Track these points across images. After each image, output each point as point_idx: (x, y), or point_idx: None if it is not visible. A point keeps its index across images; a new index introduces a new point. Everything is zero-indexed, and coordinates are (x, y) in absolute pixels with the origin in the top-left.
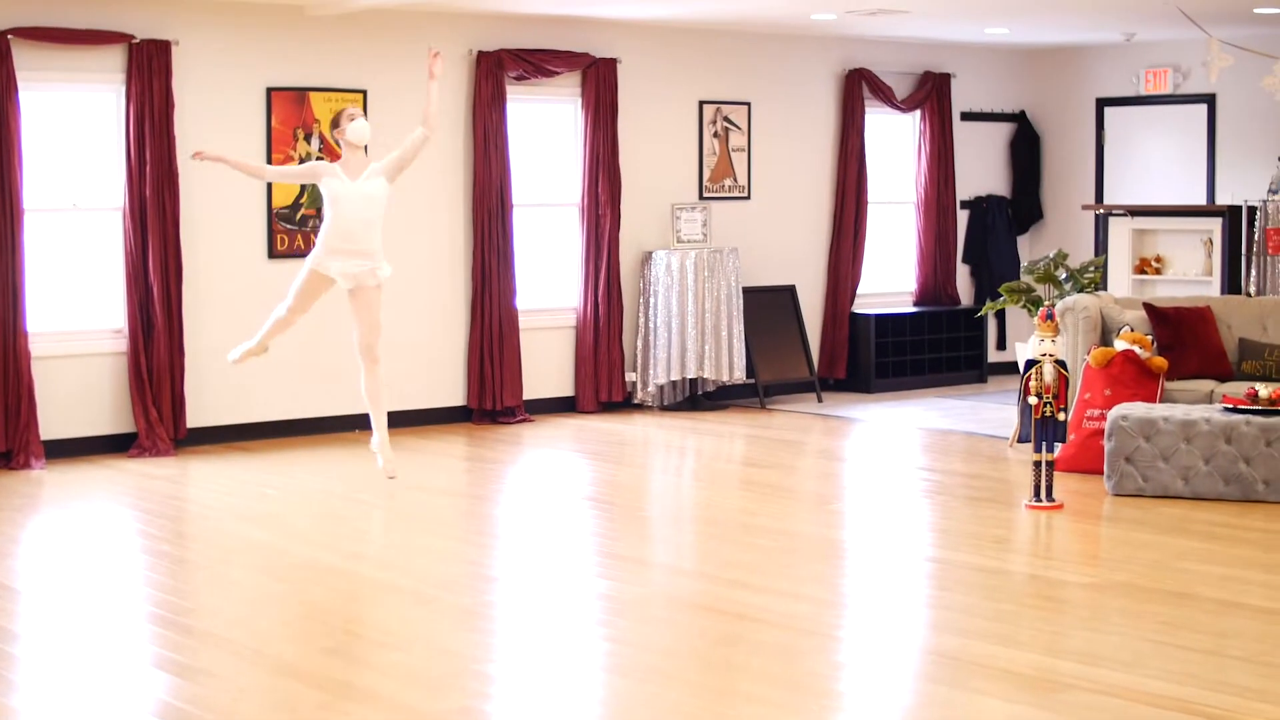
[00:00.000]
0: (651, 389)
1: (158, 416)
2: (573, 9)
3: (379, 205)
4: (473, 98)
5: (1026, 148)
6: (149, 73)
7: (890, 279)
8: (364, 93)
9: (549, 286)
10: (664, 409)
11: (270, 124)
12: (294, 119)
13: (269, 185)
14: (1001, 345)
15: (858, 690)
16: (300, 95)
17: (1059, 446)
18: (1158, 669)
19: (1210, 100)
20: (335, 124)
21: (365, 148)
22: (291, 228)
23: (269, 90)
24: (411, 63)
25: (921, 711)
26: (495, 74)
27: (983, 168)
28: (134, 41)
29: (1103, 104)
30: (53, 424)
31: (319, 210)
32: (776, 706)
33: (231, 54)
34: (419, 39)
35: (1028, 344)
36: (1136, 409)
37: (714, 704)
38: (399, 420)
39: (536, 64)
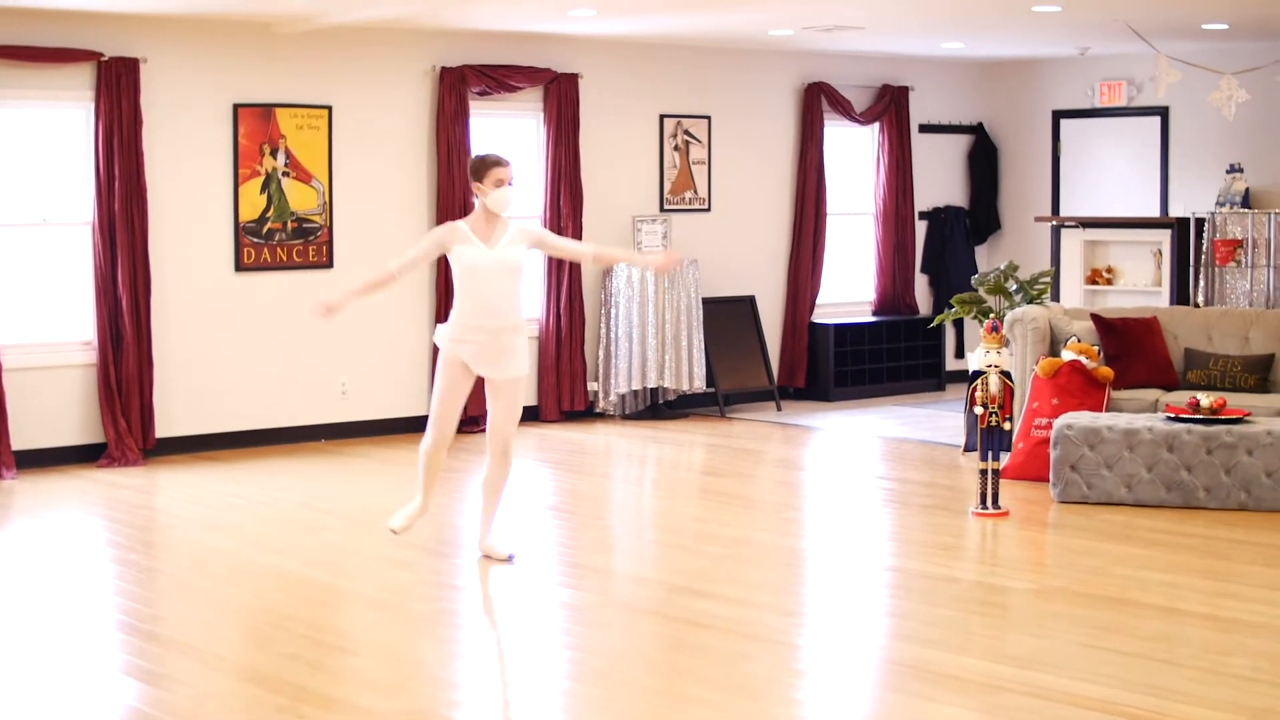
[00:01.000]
0: (613, 398)
1: (127, 427)
2: (535, 25)
3: (518, 276)
4: (436, 113)
5: (984, 159)
6: (117, 90)
7: (849, 289)
8: (329, 108)
9: None
10: (625, 418)
11: (237, 140)
12: (260, 135)
13: (235, 197)
14: (960, 354)
15: (814, 698)
16: (266, 111)
17: (1005, 455)
18: (1087, 672)
19: (1164, 113)
20: (476, 174)
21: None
22: (259, 241)
23: (235, 106)
24: (376, 79)
25: (876, 718)
26: (458, 89)
27: (941, 179)
28: (103, 59)
29: (1058, 116)
30: (24, 434)
31: (285, 224)
32: (734, 714)
33: (198, 71)
34: (384, 55)
35: (974, 355)
36: (1081, 418)
37: (672, 711)
38: (363, 430)
39: (499, 79)
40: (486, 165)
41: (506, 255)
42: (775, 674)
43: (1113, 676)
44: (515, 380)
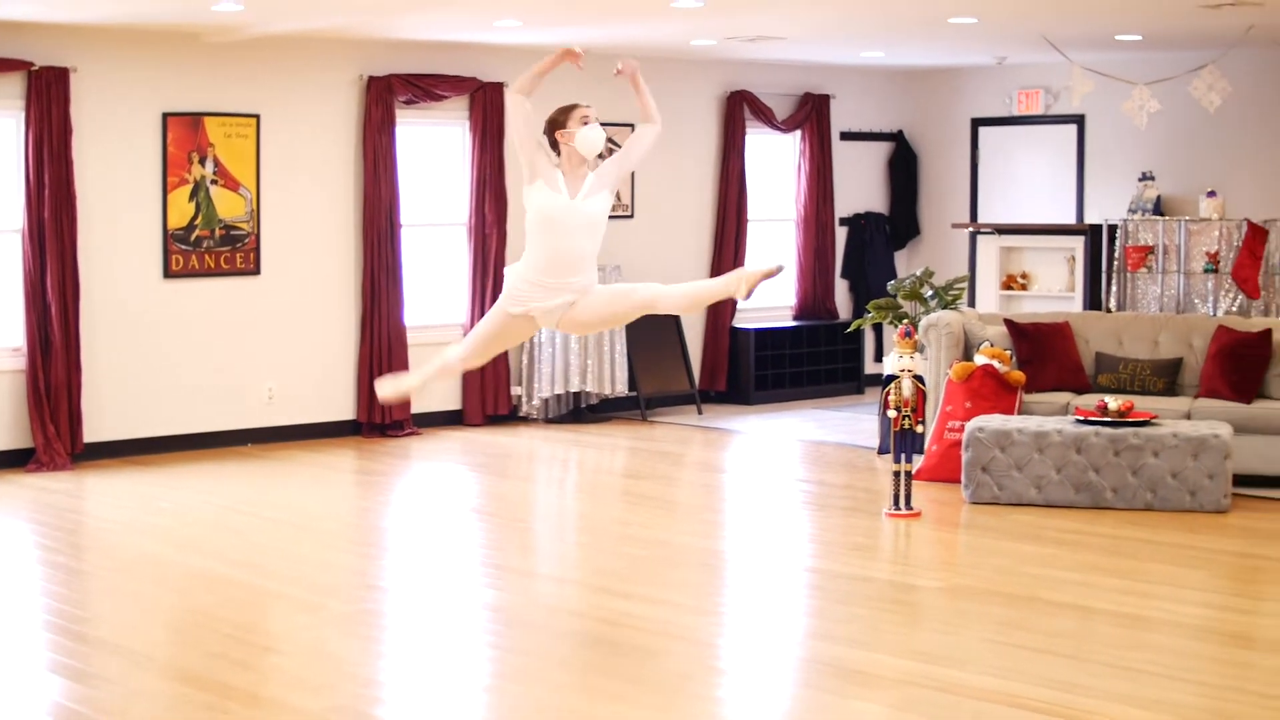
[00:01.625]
0: (536, 402)
1: (55, 432)
2: (461, 35)
3: (601, 230)
4: (363, 122)
5: (904, 166)
6: (48, 99)
7: (770, 294)
8: (257, 117)
9: (437, 303)
10: (549, 421)
11: (166, 148)
12: (188, 143)
13: (164, 205)
14: (879, 358)
15: (733, 695)
16: (195, 120)
17: (918, 457)
18: (995, 667)
19: (1079, 121)
20: (557, 123)
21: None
22: (187, 248)
23: (164, 115)
24: (304, 88)
25: (795, 715)
26: (385, 98)
27: (861, 186)
28: (33, 69)
29: (977, 124)
30: None
31: (213, 231)
32: (655, 711)
33: (128, 80)
34: (312, 65)
35: (888, 359)
36: (993, 421)
37: (593, 708)
38: (290, 435)
39: (425, 88)
40: (566, 110)
41: (590, 207)
42: (695, 672)
43: (1019, 671)
44: (592, 294)
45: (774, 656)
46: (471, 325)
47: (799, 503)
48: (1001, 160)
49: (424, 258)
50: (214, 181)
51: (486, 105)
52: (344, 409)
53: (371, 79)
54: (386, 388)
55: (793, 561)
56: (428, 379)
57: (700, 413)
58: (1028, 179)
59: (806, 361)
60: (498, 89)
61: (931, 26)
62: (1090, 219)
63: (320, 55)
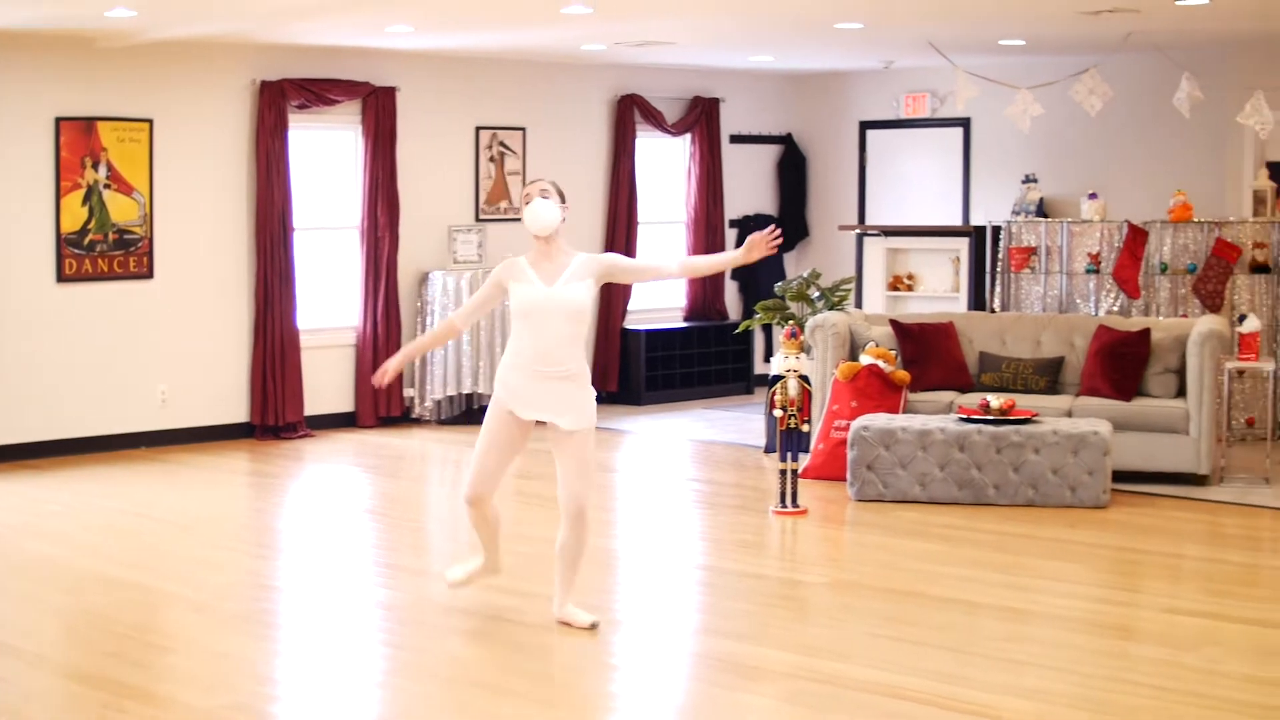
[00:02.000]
0: (429, 404)
1: None
2: (353, 40)
3: (582, 316)
4: (256, 126)
5: (793, 169)
6: None
7: (661, 295)
8: (150, 122)
9: (330, 306)
10: (441, 423)
11: (59, 152)
12: (81, 148)
13: (57, 209)
14: (769, 358)
15: (625, 689)
16: (88, 124)
17: (804, 456)
18: (878, 660)
19: (966, 124)
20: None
21: (551, 237)
22: (80, 252)
23: (57, 120)
24: (197, 93)
25: (686, 708)
26: (278, 103)
27: (751, 188)
28: None
29: (865, 127)
30: None
31: (106, 235)
32: (548, 705)
33: (20, 84)
34: (205, 70)
35: (775, 360)
36: (878, 419)
37: (487, 704)
38: (183, 438)
39: (318, 93)
40: (527, 192)
41: (567, 294)
42: (587, 666)
43: (901, 664)
44: (575, 434)
45: (665, 651)
46: (364, 329)
47: (689, 501)
48: (889, 163)
49: (317, 261)
50: (107, 186)
51: (379, 110)
52: (237, 412)
53: (264, 84)
54: (455, 574)
55: (683, 559)
56: (487, 545)
57: None
58: (915, 181)
59: (697, 362)
60: (390, 93)
61: (818, 32)
62: (976, 221)
63: (213, 60)
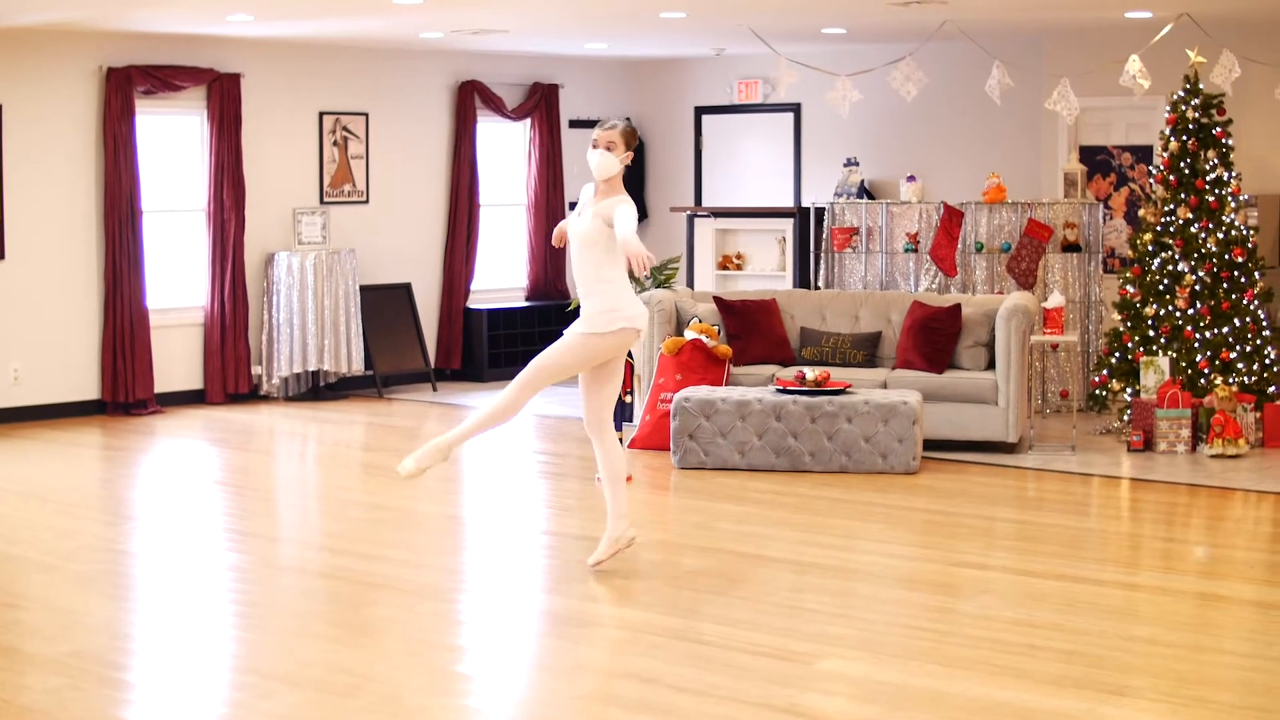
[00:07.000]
0: (276, 381)
1: None
2: (195, 28)
3: (589, 250)
4: (103, 112)
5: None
6: None
7: (502, 276)
8: None
9: (179, 286)
10: (288, 399)
11: None
12: None
13: None
14: None
15: (474, 643)
16: None
17: (629, 426)
18: (676, 608)
19: (796, 110)
20: None
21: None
22: None
23: None
24: (45, 79)
25: (530, 659)
26: (124, 89)
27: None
28: None
29: (701, 112)
30: None
31: None
32: (398, 656)
33: None
34: (52, 56)
35: None
36: (699, 391)
37: (336, 656)
38: (36, 414)
39: (164, 79)
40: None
41: (579, 226)
42: (435, 624)
43: (695, 611)
44: (576, 334)
45: (508, 608)
46: (212, 308)
47: (528, 472)
48: (724, 146)
49: (165, 243)
50: None
51: (224, 95)
52: (89, 389)
53: (111, 70)
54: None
55: (521, 524)
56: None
57: (435, 390)
58: (749, 165)
59: (538, 340)
60: (235, 79)
61: (645, 21)
62: (807, 202)
63: (60, 46)
